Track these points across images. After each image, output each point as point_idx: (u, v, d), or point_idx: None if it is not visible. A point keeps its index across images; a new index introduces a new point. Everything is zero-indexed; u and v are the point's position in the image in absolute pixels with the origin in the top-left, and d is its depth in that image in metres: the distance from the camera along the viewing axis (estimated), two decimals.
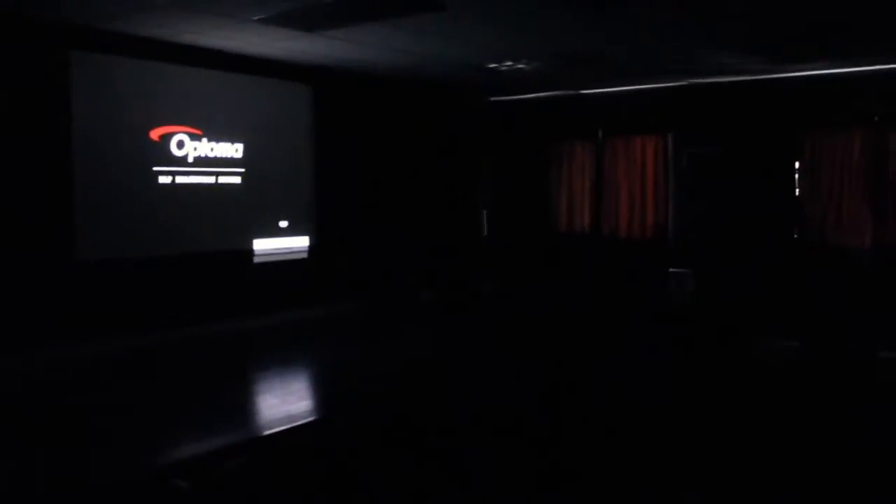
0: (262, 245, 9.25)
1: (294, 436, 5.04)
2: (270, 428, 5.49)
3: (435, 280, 11.34)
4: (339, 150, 10.14)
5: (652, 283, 10.58)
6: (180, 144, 8.39)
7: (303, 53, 8.56)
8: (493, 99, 12.29)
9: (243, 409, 6.37)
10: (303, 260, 9.74)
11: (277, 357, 7.97)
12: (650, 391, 6.33)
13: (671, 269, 10.44)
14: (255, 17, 6.97)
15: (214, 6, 6.64)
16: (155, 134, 8.17)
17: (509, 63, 9.11)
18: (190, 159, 8.48)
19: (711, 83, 10.23)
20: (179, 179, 8.40)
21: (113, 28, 7.40)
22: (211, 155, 8.68)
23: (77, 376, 7.11)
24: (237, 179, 8.96)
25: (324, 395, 6.81)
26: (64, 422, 5.81)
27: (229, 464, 3.37)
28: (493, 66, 9.28)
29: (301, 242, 9.71)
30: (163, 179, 8.25)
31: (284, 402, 6.19)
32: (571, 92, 11.41)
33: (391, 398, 6.37)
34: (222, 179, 8.80)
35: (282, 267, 9.45)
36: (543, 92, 11.64)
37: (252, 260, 9.16)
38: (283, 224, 9.50)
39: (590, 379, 6.81)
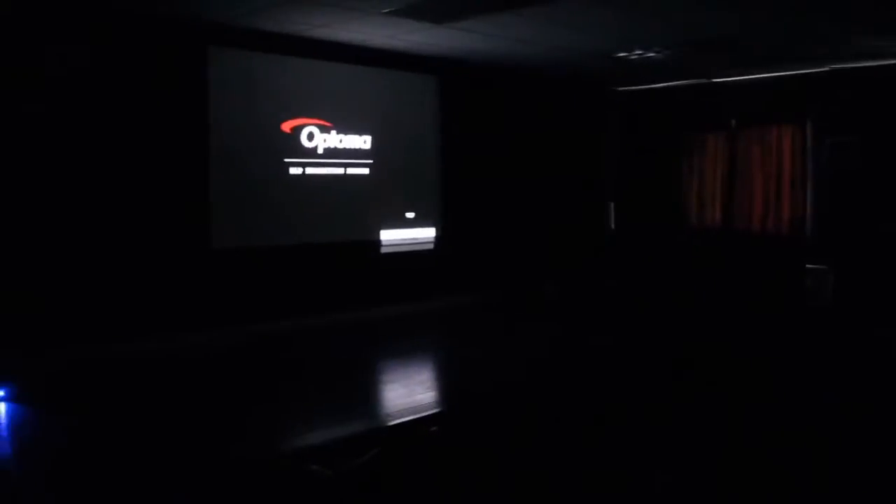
0: (388, 236, 9.35)
1: (422, 426, 5.03)
2: (399, 418, 5.51)
3: (559, 273, 11.19)
4: (464, 141, 10.13)
5: (788, 281, 10.10)
6: (311, 136, 8.56)
7: (429, 45, 8.58)
8: (620, 89, 12.02)
9: (371, 398, 6.44)
10: (429, 251, 9.79)
11: (404, 347, 8.03)
12: (788, 395, 6.02)
13: (809, 266, 9.94)
14: (385, 10, 7.03)
15: (345, 1, 6.74)
16: (287, 126, 8.37)
17: (639, 51, 8.88)
18: (320, 151, 8.65)
19: (854, 68, 9.63)
20: (309, 170, 8.57)
21: (248, 24, 7.61)
22: (340, 146, 8.82)
23: (210, 361, 7.36)
24: (365, 171, 9.08)
25: (449, 386, 6.79)
26: (198, 404, 6.04)
27: (363, 453, 3.38)
28: (622, 55, 9.06)
29: (427, 233, 9.77)
30: (293, 171, 8.44)
31: (411, 393, 6.22)
32: (703, 80, 11.01)
33: (515, 391, 6.29)
34: (351, 171, 8.94)
35: (408, 258, 9.53)
36: (673, 81, 11.29)
37: (379, 250, 9.27)
38: (410, 215, 9.58)
39: (721, 381, 6.54)
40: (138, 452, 4.93)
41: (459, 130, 10.07)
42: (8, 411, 5.91)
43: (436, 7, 6.88)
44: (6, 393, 6.06)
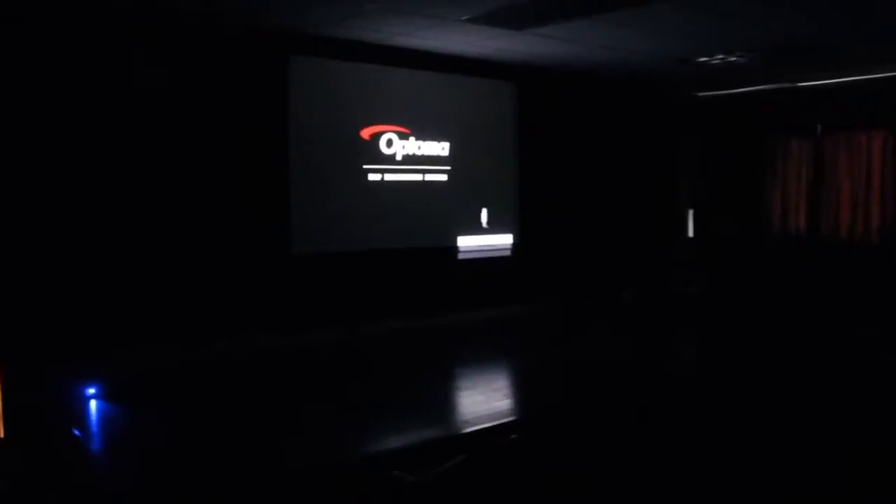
0: (466, 242, 9.37)
1: (501, 434, 5.02)
2: (476, 425, 5.50)
3: (637, 280, 11.05)
4: (541, 147, 10.09)
5: (877, 291, 9.74)
6: (389, 143, 8.64)
7: (507, 51, 8.58)
8: (700, 94, 11.80)
9: (449, 403, 6.45)
10: (506, 257, 9.78)
11: (480, 353, 8.03)
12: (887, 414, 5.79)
13: None
14: (464, 17, 7.05)
15: (425, 8, 6.79)
16: (366, 133, 8.47)
17: (721, 56, 8.70)
18: (398, 157, 8.72)
19: None
20: (388, 177, 8.66)
21: (329, 33, 7.74)
22: (418, 153, 8.89)
23: (289, 364, 7.49)
24: (443, 177, 9.12)
25: (526, 394, 6.76)
26: (279, 406, 6.15)
27: (444, 459, 3.39)
28: (703, 59, 8.90)
29: (504, 240, 9.75)
30: (372, 177, 8.54)
31: (489, 400, 6.21)
32: (787, 84, 10.73)
33: (594, 400, 6.23)
34: (429, 177, 9.00)
35: (485, 264, 9.53)
36: (756, 85, 11.03)
37: (456, 256, 9.30)
38: (487, 221, 9.58)
39: (809, 396, 6.34)
40: (221, 453, 5.05)
41: (537, 136, 10.03)
42: (99, 409, 6.12)
43: (516, 14, 6.87)
44: (97, 391, 6.28)
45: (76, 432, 5.56)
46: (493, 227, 9.64)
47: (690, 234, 12.05)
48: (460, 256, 9.32)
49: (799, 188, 10.99)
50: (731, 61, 8.94)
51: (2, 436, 6.08)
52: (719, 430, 4.87)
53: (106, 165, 6.87)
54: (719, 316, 10.39)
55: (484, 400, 6.22)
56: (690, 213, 12.05)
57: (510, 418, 5.70)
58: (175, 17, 6.97)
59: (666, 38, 7.77)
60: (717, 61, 8.95)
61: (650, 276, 11.24)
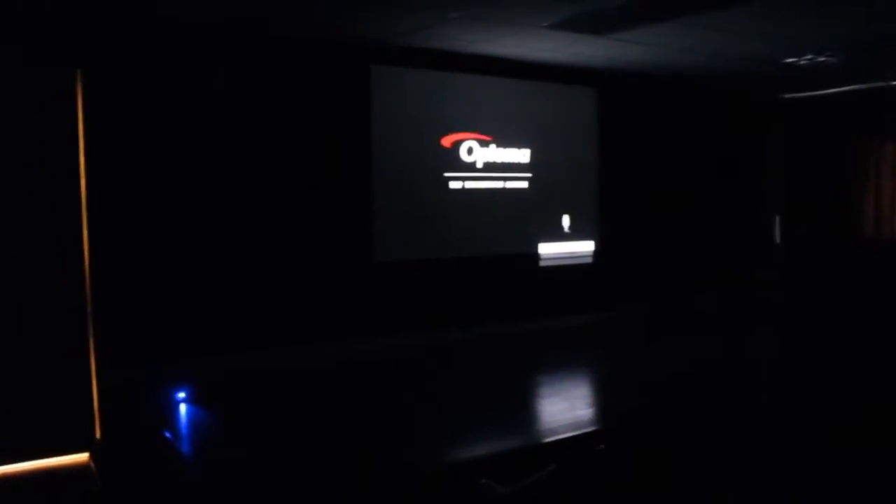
0: (547, 249, 9.31)
1: (587, 443, 4.96)
2: (561, 433, 5.45)
3: (721, 287, 10.80)
4: (623, 153, 9.97)
5: None
6: (470, 151, 8.66)
7: (588, 57, 8.51)
8: (786, 96, 11.48)
9: (532, 411, 6.43)
10: (587, 264, 9.69)
11: (563, 361, 7.98)
12: None
13: None
14: (546, 24, 7.03)
15: (506, 15, 6.78)
16: (447, 141, 8.51)
17: (810, 56, 8.45)
18: (479, 165, 8.73)
19: None
20: (469, 185, 8.68)
21: (410, 43, 7.80)
22: (499, 160, 8.88)
23: (372, 370, 7.57)
24: (524, 184, 9.09)
25: (611, 402, 6.66)
26: (363, 412, 6.21)
27: (531, 467, 3.37)
28: (790, 60, 8.65)
29: (586, 247, 9.67)
30: (453, 185, 8.57)
31: (573, 407, 6.16)
32: (881, 84, 10.35)
33: (680, 408, 6.10)
34: (510, 184, 8.98)
35: (566, 271, 9.46)
36: (846, 86, 10.67)
37: (538, 263, 9.25)
38: (569, 228, 9.51)
39: None
40: (306, 458, 5.11)
41: (618, 142, 9.92)
42: (188, 412, 6.28)
43: (597, 19, 6.81)
44: (186, 395, 6.44)
45: (167, 434, 5.71)
46: (575, 234, 9.56)
47: (777, 239, 11.72)
48: (542, 263, 9.27)
49: (894, 192, 10.59)
50: (821, 61, 8.67)
51: (98, 437, 6.30)
52: (810, 439, 4.73)
53: (198, 176, 7.06)
54: (805, 324, 10.07)
55: (568, 408, 6.17)
56: (777, 218, 11.72)
57: (595, 427, 5.63)
58: (263, 31, 7.12)
59: (751, 40, 7.59)
60: (804, 62, 8.70)
61: (735, 283, 10.96)
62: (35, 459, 5.92)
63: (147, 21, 6.64)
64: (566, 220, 9.49)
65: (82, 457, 6.14)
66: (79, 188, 6.36)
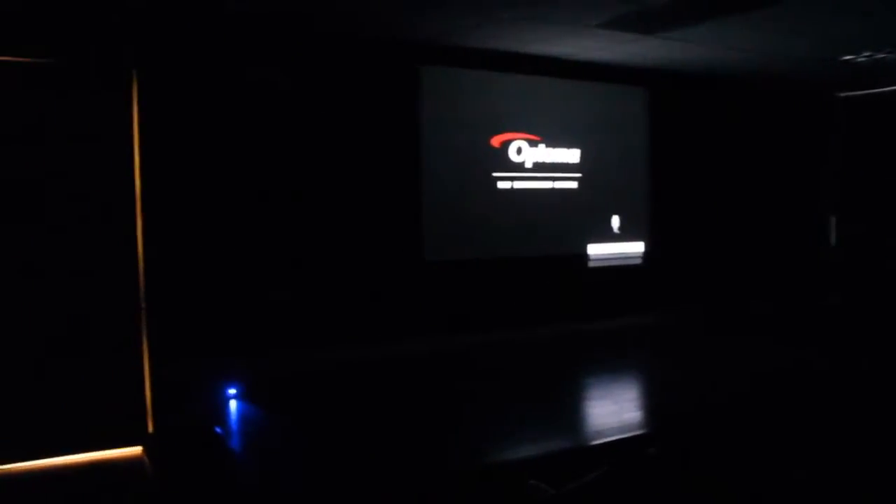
0: (596, 250, 9.25)
1: (637, 446, 4.91)
2: (610, 436, 5.40)
3: (773, 289, 10.61)
4: (674, 153, 9.86)
5: None
6: (519, 151, 8.63)
7: (638, 56, 8.43)
8: (842, 94, 11.24)
9: (581, 413, 6.38)
10: (637, 265, 9.60)
11: (612, 363, 7.91)
12: None
13: None
14: (595, 23, 6.98)
15: (555, 15, 6.75)
16: (496, 141, 8.50)
17: (868, 53, 8.26)
18: (528, 165, 8.70)
19: None
20: (518, 185, 8.65)
21: (458, 43, 7.81)
22: (548, 160, 8.84)
23: (420, 369, 7.59)
24: (573, 184, 9.04)
25: (660, 405, 6.58)
26: (409, 410, 6.23)
27: (580, 470, 3.34)
28: (848, 58, 8.47)
29: (635, 248, 9.58)
30: (502, 185, 8.55)
31: (621, 410, 6.10)
32: None
33: (731, 413, 6.01)
34: (559, 185, 8.93)
35: (616, 272, 9.39)
36: None
37: (586, 264, 9.19)
38: (618, 229, 9.43)
39: None
40: (352, 456, 5.14)
41: (669, 142, 9.81)
42: (238, 409, 6.36)
43: (647, 18, 6.74)
44: (237, 391, 6.53)
45: (218, 430, 5.79)
46: (625, 235, 9.48)
47: (833, 241, 11.47)
48: (591, 264, 9.21)
49: None
50: (880, 58, 8.47)
51: (150, 431, 6.42)
52: (867, 446, 4.63)
53: (249, 175, 7.15)
54: (862, 329, 9.83)
55: (616, 410, 6.11)
56: (832, 219, 11.48)
57: (644, 430, 5.57)
58: (314, 32, 7.18)
59: (806, 37, 7.45)
60: (863, 59, 8.51)
61: (788, 285, 10.76)
62: (92, 451, 6.06)
63: (199, 21, 6.73)
64: (616, 221, 9.42)
65: (136, 450, 6.26)
66: (133, 187, 6.49)
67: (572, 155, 9.01)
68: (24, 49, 6.11)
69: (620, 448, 5.10)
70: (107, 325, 6.38)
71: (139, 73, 6.52)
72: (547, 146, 8.82)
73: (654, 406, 6.62)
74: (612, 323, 9.23)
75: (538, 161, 8.77)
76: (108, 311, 6.40)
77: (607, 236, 9.36)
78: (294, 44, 7.29)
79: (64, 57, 6.24)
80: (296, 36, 7.24)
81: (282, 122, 7.28)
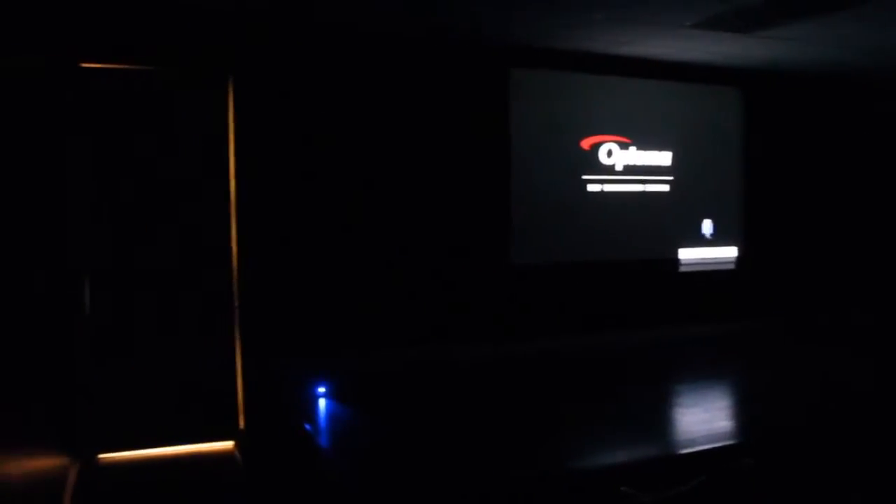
0: (687, 254, 9.04)
1: (732, 456, 4.78)
2: (701, 445, 5.26)
3: (876, 299, 10.18)
4: (770, 156, 9.56)
5: None
6: (610, 153, 8.52)
7: (733, 56, 8.22)
8: None
9: (670, 420, 6.25)
10: (730, 271, 9.35)
11: (703, 370, 7.73)
12: None
13: None
14: (689, 23, 6.84)
15: (649, 15, 6.65)
16: (586, 143, 8.40)
17: None
18: (619, 168, 8.58)
19: None
20: (608, 188, 8.53)
21: (549, 45, 7.76)
22: (639, 163, 8.70)
23: (507, 372, 7.55)
24: (665, 188, 8.87)
25: (753, 415, 6.38)
26: (498, 415, 6.18)
27: (673, 477, 3.27)
28: None
29: (728, 253, 9.33)
30: (591, 188, 8.45)
31: (713, 419, 5.94)
32: None
33: (830, 426, 5.79)
34: (650, 188, 8.78)
35: (708, 277, 9.17)
36: None
37: (677, 269, 9.01)
38: (710, 233, 9.21)
39: None
40: (441, 458, 5.15)
41: (765, 144, 9.52)
42: (327, 407, 6.45)
43: (744, 16, 6.56)
44: (326, 390, 6.63)
45: (307, 427, 5.89)
46: (717, 240, 9.25)
47: None
48: (681, 269, 9.01)
49: None
50: None
51: (242, 427, 6.58)
52: None
53: (337, 177, 7.25)
54: None
55: (707, 419, 5.95)
56: None
57: (737, 440, 5.41)
58: (403, 35, 7.24)
59: None
60: None
61: (892, 296, 10.31)
62: (186, 444, 6.25)
63: (293, 26, 6.87)
64: (708, 225, 9.19)
65: (227, 444, 6.43)
66: (229, 189, 6.68)
67: (664, 157, 8.85)
68: (126, 57, 6.37)
69: (712, 458, 4.97)
70: (201, 325, 6.59)
71: (235, 79, 6.71)
72: (638, 149, 8.68)
73: (746, 416, 6.43)
74: (703, 329, 9.00)
75: (629, 164, 8.64)
76: (202, 311, 6.61)
77: (699, 241, 9.14)
78: (385, 49, 7.36)
79: (164, 64, 6.48)
80: (386, 41, 7.31)
81: (372, 125, 7.36)
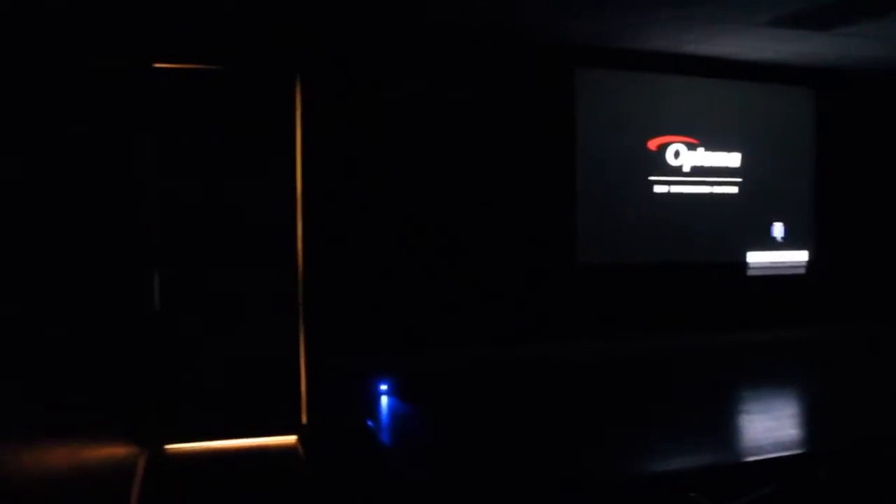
0: (756, 258, 8.84)
1: (802, 465, 4.66)
2: (769, 452, 5.13)
3: None
4: (844, 157, 9.27)
5: None
6: (677, 154, 8.38)
7: (807, 55, 8.02)
8: None
9: (738, 427, 6.12)
10: (800, 276, 9.13)
11: (771, 376, 7.57)
12: None
13: None
14: (763, 21, 6.69)
15: (721, 13, 6.52)
16: (652, 144, 8.29)
17: None
18: (686, 169, 8.44)
19: None
20: (675, 189, 8.40)
21: (615, 45, 7.68)
22: (707, 164, 8.54)
23: (570, 375, 7.51)
24: (733, 189, 8.69)
25: (824, 424, 6.21)
26: (562, 416, 6.15)
27: (738, 485, 3.20)
28: None
29: (799, 257, 9.09)
30: (658, 189, 8.33)
31: (781, 427, 5.79)
32: None
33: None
34: (718, 189, 8.61)
35: (777, 282, 8.95)
36: None
37: (745, 273, 8.81)
38: (781, 236, 8.99)
39: None
40: (503, 458, 5.13)
41: (839, 146, 9.25)
42: (389, 404, 6.49)
43: (822, 13, 6.38)
44: (389, 387, 6.67)
45: (370, 423, 5.93)
46: (787, 243, 9.03)
47: None
48: (749, 273, 8.81)
49: None
50: None
51: (304, 422, 6.65)
52: None
53: (403, 177, 7.27)
54: None
55: (776, 427, 5.80)
56: None
57: (806, 449, 5.27)
58: (467, 33, 7.23)
59: None
60: None
61: None
62: (251, 437, 6.36)
63: (359, 25, 6.92)
64: (779, 228, 8.97)
65: (290, 439, 6.51)
66: (294, 187, 6.75)
67: (733, 159, 8.67)
68: (197, 57, 6.50)
69: (780, 467, 4.85)
70: (268, 323, 6.68)
71: (302, 78, 6.79)
72: (706, 150, 8.52)
73: (815, 425, 6.27)
74: (771, 335, 8.79)
75: (696, 165, 8.49)
76: (268, 310, 6.70)
77: (768, 244, 8.93)
78: (450, 49, 7.37)
79: (233, 64, 6.59)
80: (452, 42, 7.32)
81: (437, 124, 7.36)
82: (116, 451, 4.27)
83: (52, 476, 2.17)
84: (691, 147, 8.45)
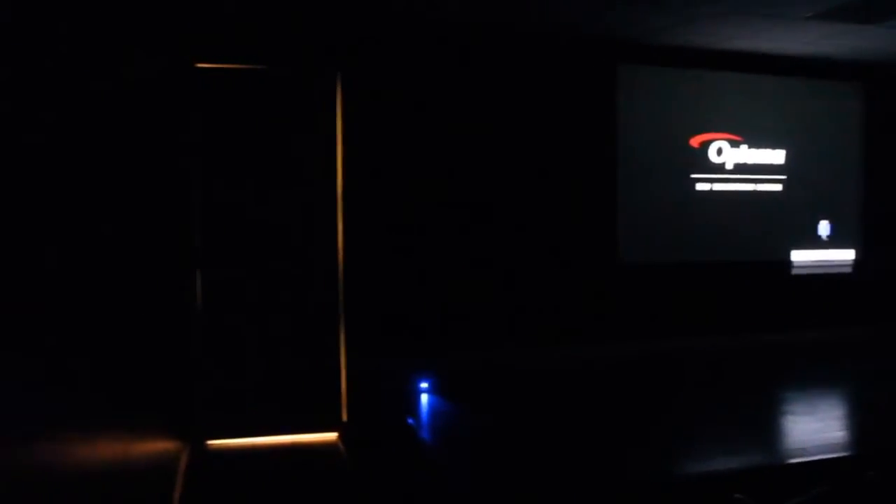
0: (800, 257, 8.71)
1: (850, 467, 4.58)
2: (815, 454, 5.05)
3: None
4: (892, 155, 9.10)
5: None
6: (719, 151, 8.29)
7: (854, 49, 7.89)
8: None
9: (782, 428, 6.04)
10: (846, 274, 8.96)
11: (816, 377, 7.45)
12: None
13: None
14: (807, 14, 6.58)
15: (767, 7, 6.43)
16: (695, 141, 8.20)
17: None
18: (729, 166, 8.34)
19: None
20: (717, 187, 8.30)
21: (657, 41, 7.62)
22: (750, 162, 8.43)
23: (612, 373, 7.47)
24: (777, 187, 8.57)
25: (873, 427, 6.09)
26: (605, 416, 6.11)
27: (783, 487, 3.15)
28: None
29: (845, 256, 8.93)
30: (700, 186, 8.24)
31: (827, 428, 5.70)
32: None
33: None
34: (762, 187, 8.49)
35: (822, 281, 8.81)
36: None
37: (790, 271, 8.68)
38: (827, 235, 8.84)
39: None
40: (541, 455, 5.11)
41: (887, 142, 9.06)
42: (430, 402, 6.50)
43: (868, 6, 6.25)
44: (429, 386, 6.67)
45: (410, 421, 5.94)
46: (833, 242, 8.87)
47: None
48: (794, 272, 8.68)
49: None
50: None
51: (345, 419, 6.68)
52: None
53: (442, 176, 7.27)
54: None
55: (822, 428, 5.71)
56: None
57: (854, 451, 5.17)
58: (510, 31, 7.21)
59: None
60: None
61: None
62: (292, 434, 6.40)
63: (398, 24, 6.93)
64: (824, 227, 8.82)
65: (331, 436, 6.54)
66: (336, 187, 6.77)
67: (777, 156, 8.54)
68: (238, 57, 6.55)
69: (827, 468, 4.77)
70: (310, 321, 6.72)
71: (343, 77, 6.81)
72: (749, 147, 8.41)
73: (864, 427, 6.14)
74: (816, 335, 8.65)
75: (740, 162, 8.38)
76: (311, 308, 6.74)
77: (814, 242, 8.79)
78: (490, 46, 7.35)
79: (274, 63, 6.63)
80: (492, 39, 7.30)
81: (477, 122, 7.35)
82: (160, 446, 4.33)
83: (102, 469, 2.21)
84: (734, 144, 8.34)
